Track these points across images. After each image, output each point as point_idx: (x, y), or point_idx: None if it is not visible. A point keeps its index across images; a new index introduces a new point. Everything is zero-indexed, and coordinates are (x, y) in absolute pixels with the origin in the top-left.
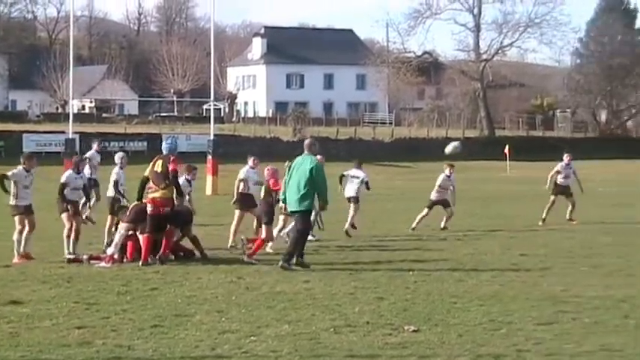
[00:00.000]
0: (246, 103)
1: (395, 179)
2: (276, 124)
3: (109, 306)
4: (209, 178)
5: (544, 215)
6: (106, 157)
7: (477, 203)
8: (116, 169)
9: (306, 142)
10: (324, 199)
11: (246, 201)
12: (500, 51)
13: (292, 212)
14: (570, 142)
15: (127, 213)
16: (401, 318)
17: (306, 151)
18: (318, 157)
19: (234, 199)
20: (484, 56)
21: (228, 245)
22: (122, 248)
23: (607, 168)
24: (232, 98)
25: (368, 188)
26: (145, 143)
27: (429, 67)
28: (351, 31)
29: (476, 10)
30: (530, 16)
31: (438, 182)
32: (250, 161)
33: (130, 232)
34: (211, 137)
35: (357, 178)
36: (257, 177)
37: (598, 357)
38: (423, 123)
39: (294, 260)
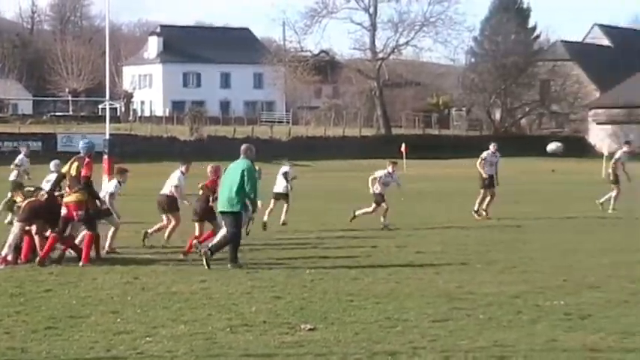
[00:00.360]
0: (142, 103)
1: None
2: (173, 123)
3: (2, 308)
4: (105, 178)
5: (476, 207)
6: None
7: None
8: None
9: (243, 147)
10: (254, 202)
11: (171, 204)
12: (396, 50)
13: (222, 213)
14: (466, 140)
15: (20, 211)
16: (297, 317)
17: (242, 156)
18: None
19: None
20: (380, 55)
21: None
22: (16, 249)
23: (502, 165)
24: (128, 97)
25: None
26: (40, 143)
27: (325, 66)
28: (247, 29)
29: (372, 9)
30: (425, 15)
31: (378, 177)
32: (183, 168)
33: (27, 229)
34: (107, 137)
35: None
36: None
37: (492, 352)
38: (320, 122)
39: (239, 261)
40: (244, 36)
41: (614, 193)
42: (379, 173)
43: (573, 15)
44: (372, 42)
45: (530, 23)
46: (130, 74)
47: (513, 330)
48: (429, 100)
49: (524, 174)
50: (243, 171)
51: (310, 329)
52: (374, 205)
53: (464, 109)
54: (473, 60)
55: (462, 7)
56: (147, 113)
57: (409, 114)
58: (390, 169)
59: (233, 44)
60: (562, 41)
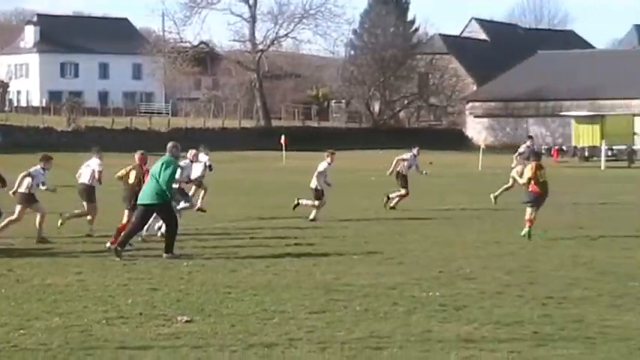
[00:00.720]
0: (19, 92)
1: None
2: (50, 113)
3: None
4: None
5: (393, 204)
6: None
7: (253, 193)
8: None
9: (169, 144)
10: (169, 193)
11: (29, 199)
12: (275, 42)
13: (146, 205)
14: (345, 132)
15: None
16: (174, 309)
17: (167, 153)
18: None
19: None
20: (260, 47)
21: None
22: None
23: (380, 158)
24: (4, 87)
25: (211, 170)
26: None
27: (205, 58)
28: (126, 20)
29: (251, 1)
30: (305, 8)
31: (320, 170)
32: (45, 163)
33: None
34: None
35: (201, 162)
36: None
37: (368, 343)
38: (200, 113)
39: (175, 252)
40: (123, 26)
41: (508, 185)
42: (322, 167)
43: (451, 9)
44: (252, 34)
45: (409, 16)
46: (5, 64)
47: (389, 321)
48: (309, 92)
49: None
50: (165, 166)
51: (187, 321)
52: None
53: (343, 101)
54: (352, 52)
55: (342, 0)
56: (23, 103)
57: (289, 106)
58: (328, 160)
59: (112, 34)
60: (440, 35)
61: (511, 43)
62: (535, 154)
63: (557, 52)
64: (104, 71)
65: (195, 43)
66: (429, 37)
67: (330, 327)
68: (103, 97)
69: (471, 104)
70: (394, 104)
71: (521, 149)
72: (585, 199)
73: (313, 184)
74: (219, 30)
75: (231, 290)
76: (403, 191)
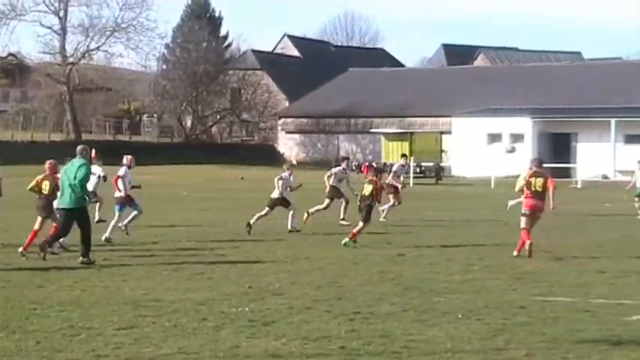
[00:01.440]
0: None
1: None
2: None
3: None
4: None
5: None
6: None
7: None
8: None
9: (79, 148)
10: (86, 196)
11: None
12: (87, 55)
13: (65, 210)
14: (157, 146)
15: None
16: None
17: (78, 156)
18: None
19: None
20: (70, 59)
21: None
22: None
23: (192, 172)
24: None
25: (105, 180)
26: None
27: (13, 69)
28: None
29: (62, 13)
30: (116, 21)
31: (279, 182)
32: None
33: None
34: None
35: (95, 174)
36: None
37: (176, 359)
38: (8, 126)
39: (89, 257)
40: None
41: (390, 203)
42: (284, 175)
43: (265, 25)
44: (63, 46)
45: (222, 32)
46: None
47: (198, 337)
48: (121, 106)
49: (213, 181)
50: (79, 167)
51: None
52: (267, 208)
53: (155, 115)
54: (165, 67)
55: (154, 14)
56: None
57: (100, 119)
58: (287, 172)
59: None
60: (253, 50)
61: (323, 60)
62: (376, 170)
63: (368, 70)
64: None
65: (4, 54)
66: (242, 53)
67: (138, 343)
68: None
69: (282, 120)
70: (206, 119)
71: (395, 168)
72: (393, 215)
73: (275, 194)
74: (29, 41)
75: (37, 306)
76: (326, 203)
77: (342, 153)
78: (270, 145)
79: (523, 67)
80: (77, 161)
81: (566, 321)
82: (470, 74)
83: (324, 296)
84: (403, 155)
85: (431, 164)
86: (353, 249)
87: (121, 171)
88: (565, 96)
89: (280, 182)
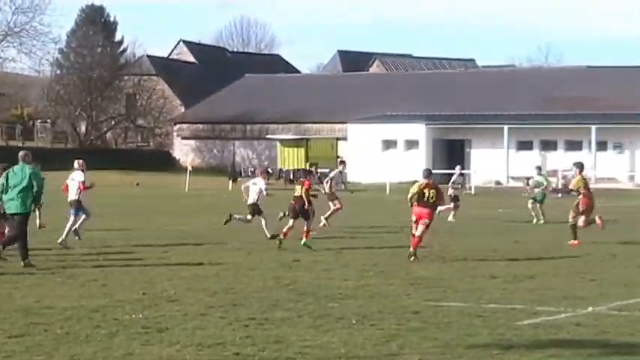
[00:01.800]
0: None
1: None
2: None
3: None
4: None
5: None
6: None
7: None
8: None
9: (21, 153)
10: (38, 201)
11: None
12: None
13: (12, 214)
14: (50, 152)
15: None
16: None
17: (21, 162)
18: None
19: None
20: None
21: None
22: None
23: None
24: None
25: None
26: None
27: None
28: None
29: None
30: (9, 25)
31: (255, 190)
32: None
33: None
34: None
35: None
36: None
37: None
38: None
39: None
40: None
41: (333, 208)
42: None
43: (160, 30)
44: None
45: (117, 37)
46: None
47: (91, 344)
48: (13, 112)
49: (108, 187)
50: (30, 174)
51: None
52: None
53: (49, 121)
54: (59, 72)
55: (48, 19)
56: None
57: None
58: (265, 181)
59: None
60: (148, 56)
61: (219, 66)
62: (307, 172)
63: (264, 76)
64: None
65: None
66: (137, 58)
67: (30, 351)
68: None
69: (178, 126)
70: (101, 125)
71: (332, 174)
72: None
73: (250, 200)
74: None
75: None
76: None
77: (238, 159)
78: (166, 151)
79: (418, 75)
80: (25, 167)
81: (459, 326)
82: (365, 81)
83: (218, 302)
84: (342, 162)
85: (327, 170)
86: (248, 255)
87: (81, 176)
88: (459, 103)
89: (255, 188)
